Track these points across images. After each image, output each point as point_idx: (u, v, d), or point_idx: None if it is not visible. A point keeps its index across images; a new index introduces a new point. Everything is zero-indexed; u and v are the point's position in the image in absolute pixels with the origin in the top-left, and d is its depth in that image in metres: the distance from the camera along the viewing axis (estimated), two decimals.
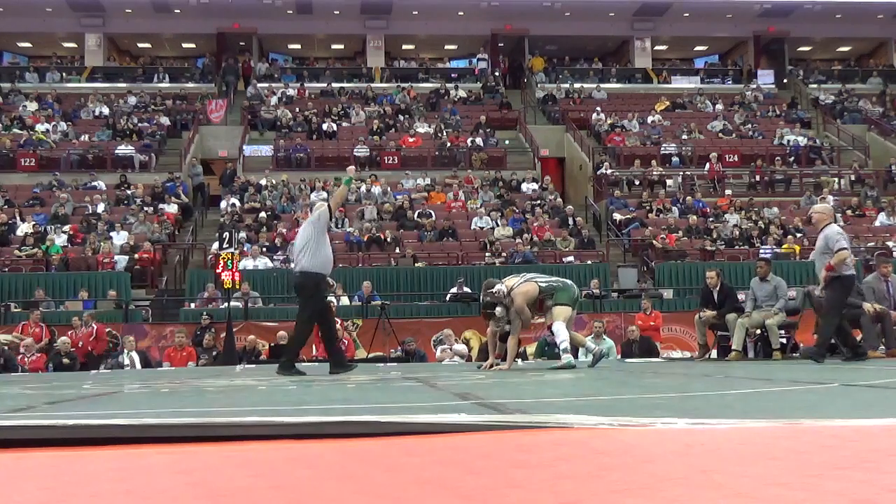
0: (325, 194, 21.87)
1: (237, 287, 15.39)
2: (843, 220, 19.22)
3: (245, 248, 18.03)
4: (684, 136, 26.32)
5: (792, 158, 25.50)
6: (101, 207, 20.80)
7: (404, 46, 33.44)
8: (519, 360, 11.85)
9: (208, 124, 27.10)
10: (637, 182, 23.98)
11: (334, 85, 29.65)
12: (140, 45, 33.47)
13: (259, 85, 28.86)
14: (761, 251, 19.07)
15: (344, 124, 26.70)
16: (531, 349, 14.19)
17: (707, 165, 24.32)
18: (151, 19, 30.65)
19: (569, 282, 9.50)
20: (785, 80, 32.53)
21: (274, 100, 28.14)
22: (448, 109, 27.71)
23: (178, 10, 30.24)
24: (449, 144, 25.25)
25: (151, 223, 20.18)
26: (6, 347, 13.83)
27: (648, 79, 32.14)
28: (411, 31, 32.20)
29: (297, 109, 27.30)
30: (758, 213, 21.64)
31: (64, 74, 30.24)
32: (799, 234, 20.41)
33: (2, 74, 30.39)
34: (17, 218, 20.18)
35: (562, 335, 9.06)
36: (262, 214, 20.76)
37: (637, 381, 6.28)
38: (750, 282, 11.91)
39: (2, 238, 19.35)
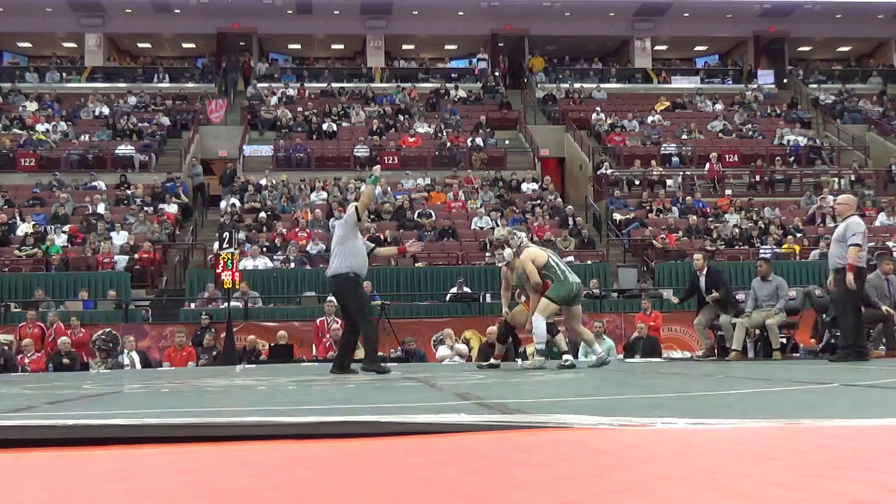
0: (324, 194, 21.90)
1: (237, 287, 15.39)
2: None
3: (245, 248, 18.03)
4: (684, 136, 26.32)
5: (792, 158, 25.51)
6: (101, 207, 20.79)
7: (404, 46, 33.45)
8: (519, 361, 11.86)
9: (208, 124, 27.10)
10: (637, 182, 23.98)
11: (334, 85, 29.64)
12: (140, 45, 33.47)
13: (259, 85, 28.86)
14: (761, 251, 19.07)
15: (344, 124, 26.70)
16: (531, 349, 14.18)
17: (707, 165, 24.32)
18: (151, 19, 30.65)
19: (572, 279, 9.27)
20: (785, 80, 32.53)
21: (274, 100, 28.14)
22: (448, 109, 27.71)
23: (178, 10, 30.23)
24: (449, 144, 25.25)
25: (151, 223, 20.18)
26: (6, 347, 13.84)
27: (648, 79, 32.14)
28: (411, 31, 32.20)
29: (297, 109, 27.29)
30: (758, 213, 21.64)
31: (64, 74, 30.24)
32: (799, 234, 20.42)
33: (2, 74, 30.39)
34: (17, 218, 20.17)
35: (539, 332, 8.92)
36: (262, 214, 20.76)
37: (637, 381, 6.28)
38: (751, 282, 11.93)
39: (2, 238, 19.35)
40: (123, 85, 29.44)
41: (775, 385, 5.26)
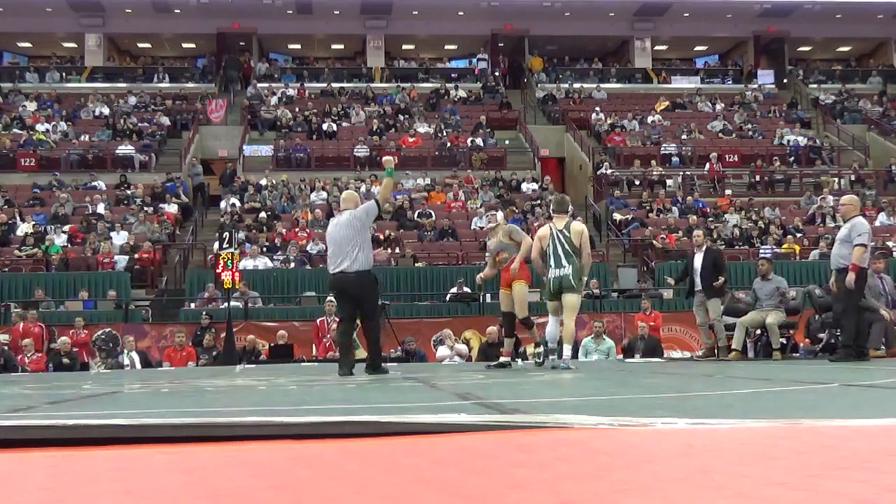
0: (324, 194, 21.89)
1: (237, 287, 15.40)
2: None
3: (245, 248, 18.03)
4: (684, 136, 26.33)
5: (792, 158, 25.51)
6: (101, 207, 20.79)
7: (404, 46, 33.45)
8: (519, 360, 11.85)
9: (208, 124, 27.10)
10: (637, 182, 23.98)
11: (334, 85, 29.64)
12: (140, 45, 33.47)
13: (259, 85, 28.86)
14: (761, 251, 19.07)
15: (344, 124, 26.71)
16: (531, 349, 14.18)
17: (707, 165, 24.33)
18: (151, 19, 30.65)
19: (550, 273, 8.84)
20: (785, 80, 32.53)
21: (274, 100, 28.14)
22: (448, 109, 27.71)
23: (178, 10, 30.24)
24: (449, 144, 25.26)
25: (151, 223, 20.18)
26: (6, 347, 13.84)
27: (648, 79, 32.14)
28: (411, 31, 32.20)
29: (297, 109, 27.30)
30: (758, 213, 21.64)
31: (64, 74, 30.24)
32: (799, 234, 20.42)
33: (2, 74, 30.40)
34: (17, 218, 20.17)
35: (567, 332, 8.70)
36: (262, 214, 20.76)
37: (637, 381, 6.28)
38: (750, 282, 11.92)
39: (2, 238, 19.35)
40: (123, 85, 29.45)
41: (775, 385, 5.26)
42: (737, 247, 19.82)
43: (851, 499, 1.51)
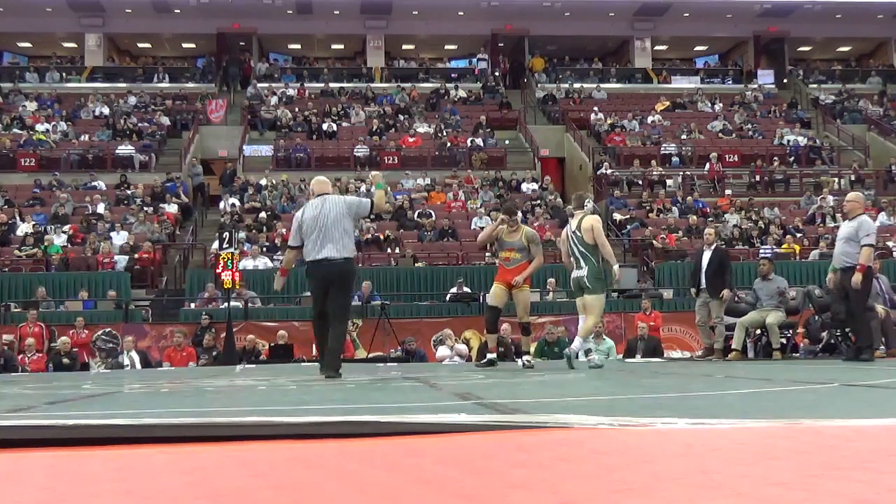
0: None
1: (237, 287, 15.40)
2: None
3: (245, 248, 18.03)
4: (684, 136, 26.33)
5: (792, 158, 25.52)
6: (101, 207, 20.80)
7: (404, 46, 33.45)
8: (519, 361, 11.86)
9: (208, 124, 27.10)
10: (637, 182, 23.99)
11: (334, 85, 29.64)
12: (140, 45, 33.48)
13: (259, 85, 28.86)
14: (761, 251, 19.07)
15: (344, 124, 26.71)
16: (531, 349, 14.18)
17: (707, 165, 24.33)
18: (151, 19, 30.65)
19: (573, 274, 9.13)
20: (785, 80, 32.54)
21: (274, 100, 28.14)
22: (448, 109, 27.71)
23: (178, 10, 30.24)
24: (449, 144, 25.25)
25: (151, 223, 20.18)
26: (6, 347, 13.84)
27: (648, 79, 32.14)
28: (411, 31, 32.20)
29: (297, 109, 27.30)
30: (758, 213, 21.64)
31: (64, 74, 30.24)
32: (799, 234, 20.42)
33: (2, 74, 30.40)
34: (17, 218, 20.18)
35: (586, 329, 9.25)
36: (262, 214, 20.77)
37: (637, 381, 6.28)
38: (750, 282, 11.90)
39: (2, 238, 19.36)
40: (123, 85, 29.45)
41: (775, 385, 5.26)
42: (737, 247, 19.83)
43: (851, 499, 1.51)
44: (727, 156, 25.10)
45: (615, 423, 2.65)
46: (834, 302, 9.95)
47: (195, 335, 14.77)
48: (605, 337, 13.43)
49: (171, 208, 21.52)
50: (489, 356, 9.16)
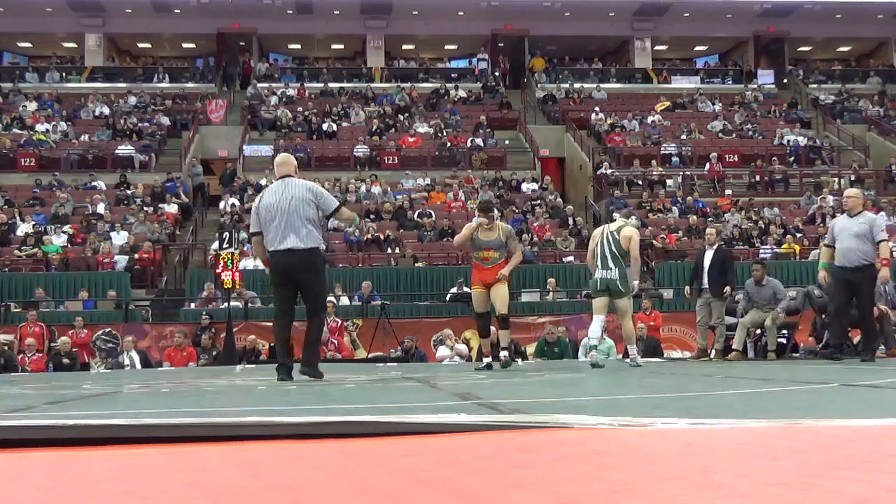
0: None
1: (237, 287, 15.40)
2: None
3: (245, 248, 18.03)
4: (684, 136, 26.33)
5: (792, 158, 25.52)
6: (101, 207, 20.80)
7: (404, 46, 33.45)
8: (519, 360, 11.85)
9: (208, 124, 27.10)
10: (637, 182, 23.98)
11: (334, 85, 29.64)
12: (140, 45, 33.48)
13: (259, 85, 28.86)
14: (761, 251, 19.08)
15: (344, 124, 26.71)
16: (531, 349, 14.19)
17: (707, 165, 24.33)
18: (151, 19, 30.65)
19: (597, 274, 9.27)
20: (785, 80, 32.54)
21: (274, 100, 28.14)
22: (448, 109, 27.71)
23: (178, 10, 30.24)
24: (449, 144, 25.25)
25: (151, 223, 20.18)
26: (6, 347, 13.84)
27: (648, 79, 32.14)
28: (411, 31, 32.20)
29: (297, 109, 27.30)
30: (758, 213, 21.64)
31: (64, 74, 30.24)
32: (799, 234, 20.42)
33: (2, 74, 30.40)
34: (17, 218, 20.18)
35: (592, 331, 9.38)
36: None
37: (637, 381, 6.28)
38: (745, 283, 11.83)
39: (2, 238, 19.36)
40: (123, 85, 29.45)
41: (775, 385, 5.26)
42: (737, 247, 19.83)
43: (851, 499, 1.51)
44: (727, 156, 25.10)
45: (615, 423, 2.65)
46: (829, 301, 9.69)
47: (195, 335, 14.76)
48: (605, 337, 13.42)
49: (171, 208, 21.51)
50: (486, 360, 8.97)
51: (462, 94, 29.41)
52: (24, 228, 19.57)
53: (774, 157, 25.12)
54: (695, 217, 21.02)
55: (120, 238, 19.14)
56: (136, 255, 18.45)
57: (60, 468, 2.19)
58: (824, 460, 1.96)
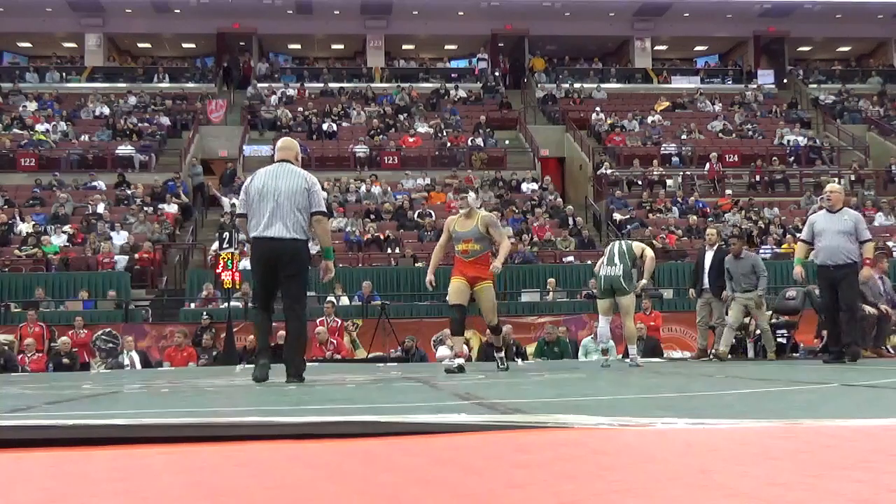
0: (324, 195, 21.89)
1: (237, 287, 15.39)
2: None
3: (245, 248, 18.01)
4: (684, 136, 26.33)
5: (792, 158, 25.52)
6: (101, 207, 20.80)
7: (404, 46, 33.45)
8: (519, 360, 11.85)
9: (208, 124, 27.10)
10: (637, 182, 23.98)
11: (334, 85, 29.64)
12: (140, 45, 33.48)
13: (259, 85, 28.86)
14: (761, 251, 19.06)
15: (344, 124, 26.71)
16: (531, 349, 14.19)
17: (707, 165, 24.33)
18: (151, 19, 30.66)
19: (601, 272, 9.44)
20: (785, 80, 32.54)
21: (274, 100, 28.14)
22: (448, 109, 27.71)
23: (178, 10, 30.25)
24: (449, 144, 25.26)
25: (151, 223, 20.18)
26: (6, 347, 13.84)
27: (648, 79, 32.15)
28: (411, 31, 32.21)
29: (298, 109, 27.30)
30: (758, 213, 21.64)
31: (64, 74, 30.25)
32: (799, 234, 20.40)
33: (2, 74, 30.40)
34: (17, 218, 20.18)
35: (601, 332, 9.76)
36: None
37: (637, 381, 6.28)
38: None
39: (2, 238, 19.36)
40: (123, 85, 29.46)
41: (775, 385, 5.26)
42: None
43: (851, 499, 1.51)
44: (727, 156, 25.10)
45: (615, 423, 2.65)
46: (822, 300, 9.29)
47: (195, 335, 14.76)
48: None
49: (171, 208, 21.51)
50: (458, 361, 8.06)
51: (462, 94, 29.42)
52: (24, 228, 19.57)
53: (774, 157, 25.13)
54: (695, 217, 21.02)
55: (120, 238, 19.14)
56: (136, 255, 18.45)
57: (60, 468, 2.19)
58: (824, 460, 1.96)
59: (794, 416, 2.85)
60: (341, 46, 33.91)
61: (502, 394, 4.89)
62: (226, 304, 14.86)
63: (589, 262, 18.87)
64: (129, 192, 22.15)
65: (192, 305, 16.81)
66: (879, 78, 32.11)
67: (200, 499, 1.71)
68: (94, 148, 24.47)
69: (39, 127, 25.29)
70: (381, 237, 19.67)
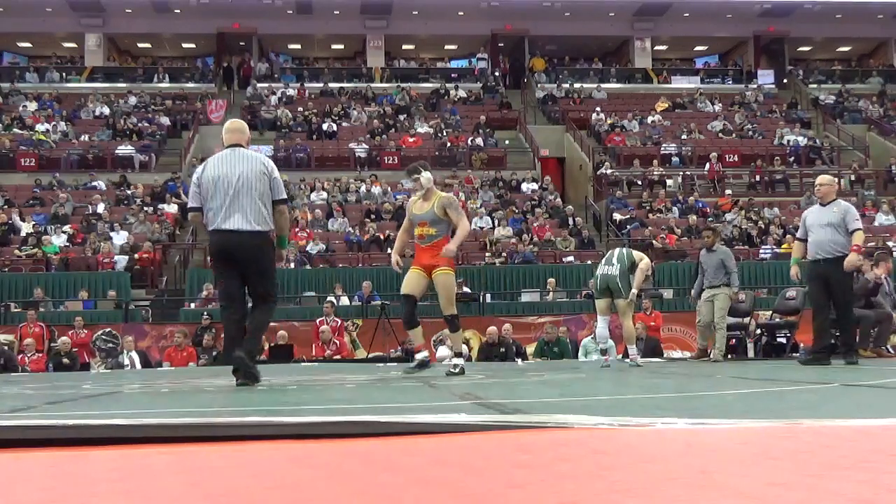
0: (324, 194, 21.91)
1: None
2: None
3: None
4: (684, 136, 26.33)
5: (792, 158, 25.52)
6: (101, 207, 20.80)
7: (404, 46, 33.46)
8: (519, 360, 11.84)
9: (208, 124, 27.08)
10: (637, 182, 23.99)
11: (334, 85, 29.65)
12: (140, 45, 33.49)
13: (259, 85, 28.87)
14: (761, 251, 19.07)
15: (344, 124, 26.71)
16: (531, 349, 14.19)
17: (707, 165, 24.33)
18: (151, 19, 30.67)
19: (597, 271, 9.49)
20: (785, 80, 32.54)
21: (274, 100, 28.15)
22: (448, 109, 27.72)
23: (178, 10, 30.25)
24: (449, 144, 25.26)
25: (151, 223, 20.18)
26: (6, 347, 13.84)
27: (648, 79, 32.15)
28: (411, 31, 32.21)
29: (298, 109, 27.31)
30: (758, 213, 21.64)
31: (64, 74, 30.26)
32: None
33: (2, 74, 30.41)
34: (17, 218, 20.18)
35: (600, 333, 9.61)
36: None
37: (637, 381, 6.28)
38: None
39: (2, 238, 19.36)
40: (123, 85, 29.46)
41: (775, 385, 5.26)
42: (737, 247, 19.82)
43: (851, 499, 1.51)
44: (727, 156, 25.10)
45: (615, 423, 2.65)
46: (814, 299, 8.64)
47: (195, 335, 14.76)
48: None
49: (171, 208, 21.51)
50: (418, 356, 7.57)
51: (462, 94, 29.42)
52: (24, 228, 19.57)
53: (775, 158, 25.13)
54: (695, 217, 21.02)
55: (120, 238, 19.14)
56: (136, 255, 18.44)
57: (60, 468, 2.19)
58: (824, 460, 1.96)
59: (794, 416, 2.85)
60: (341, 46, 33.91)
61: (502, 394, 4.89)
62: None
63: (589, 262, 18.89)
64: (129, 192, 22.15)
65: (192, 305, 16.81)
66: (879, 78, 32.11)
67: (200, 499, 1.71)
68: (94, 148, 24.47)
69: (39, 127, 25.29)
70: (381, 237, 19.67)
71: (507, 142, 26.56)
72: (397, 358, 13.56)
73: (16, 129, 25.34)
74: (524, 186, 23.40)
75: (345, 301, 16.46)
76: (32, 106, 26.78)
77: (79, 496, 1.80)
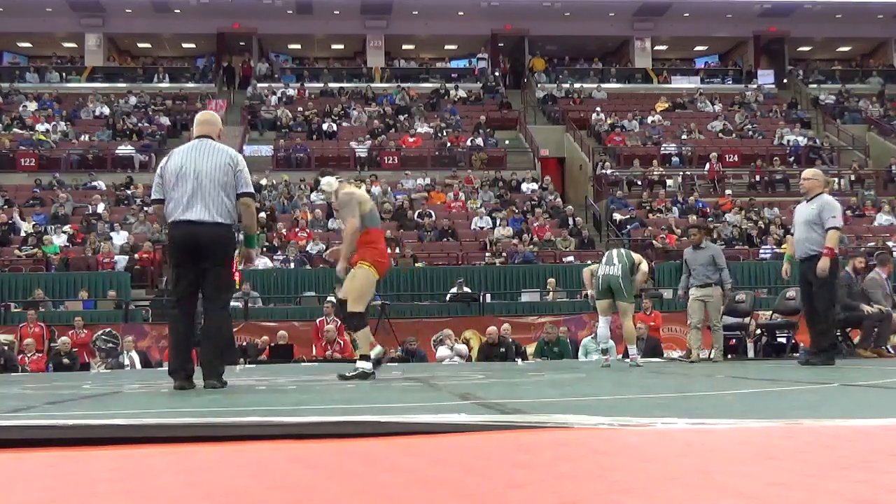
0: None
1: (237, 287, 15.39)
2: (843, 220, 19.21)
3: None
4: (684, 136, 26.33)
5: (792, 158, 25.51)
6: (101, 207, 20.80)
7: (404, 46, 33.45)
8: (519, 360, 11.84)
9: None
10: (637, 182, 23.99)
11: (334, 85, 29.65)
12: (140, 45, 33.49)
13: (259, 85, 28.87)
14: (761, 251, 19.07)
15: (344, 124, 26.72)
16: (531, 349, 14.19)
17: (707, 165, 24.33)
18: (151, 19, 30.66)
19: (599, 271, 9.48)
20: (785, 80, 32.54)
21: (274, 100, 28.15)
22: (448, 109, 27.72)
23: (178, 10, 30.25)
24: (449, 144, 25.26)
25: (151, 223, 20.16)
26: (6, 347, 13.84)
27: (648, 79, 32.15)
28: (411, 31, 32.21)
29: (298, 109, 27.31)
30: (758, 214, 21.64)
31: (64, 74, 30.26)
32: None
33: (2, 74, 30.41)
34: (17, 218, 20.18)
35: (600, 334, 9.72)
36: (262, 214, 20.73)
37: (637, 381, 6.28)
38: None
39: (2, 238, 19.36)
40: (123, 85, 29.46)
41: (775, 385, 5.26)
42: (736, 247, 19.83)
43: (851, 499, 1.51)
44: (727, 156, 25.10)
45: (615, 423, 2.65)
46: (804, 299, 8.20)
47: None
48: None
49: None
50: (360, 367, 6.89)
51: (462, 94, 29.42)
52: (24, 228, 19.57)
53: (775, 158, 25.12)
54: (695, 217, 21.00)
55: (120, 238, 19.14)
56: (136, 255, 18.44)
57: (60, 468, 2.19)
58: (824, 460, 1.96)
59: (794, 416, 2.85)
60: (341, 46, 33.91)
61: (502, 394, 4.89)
62: None
63: (589, 262, 18.88)
64: (129, 192, 22.16)
65: None
66: (879, 78, 32.10)
67: (200, 499, 1.71)
68: (94, 148, 24.48)
69: (39, 127, 25.30)
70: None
71: (507, 142, 26.57)
72: (397, 358, 13.55)
73: (16, 129, 25.35)
74: (524, 186, 23.41)
75: None
76: (32, 106, 26.79)
77: (79, 496, 1.80)
